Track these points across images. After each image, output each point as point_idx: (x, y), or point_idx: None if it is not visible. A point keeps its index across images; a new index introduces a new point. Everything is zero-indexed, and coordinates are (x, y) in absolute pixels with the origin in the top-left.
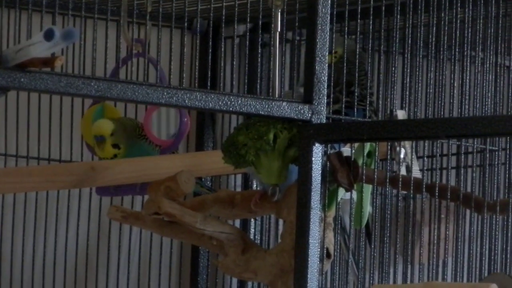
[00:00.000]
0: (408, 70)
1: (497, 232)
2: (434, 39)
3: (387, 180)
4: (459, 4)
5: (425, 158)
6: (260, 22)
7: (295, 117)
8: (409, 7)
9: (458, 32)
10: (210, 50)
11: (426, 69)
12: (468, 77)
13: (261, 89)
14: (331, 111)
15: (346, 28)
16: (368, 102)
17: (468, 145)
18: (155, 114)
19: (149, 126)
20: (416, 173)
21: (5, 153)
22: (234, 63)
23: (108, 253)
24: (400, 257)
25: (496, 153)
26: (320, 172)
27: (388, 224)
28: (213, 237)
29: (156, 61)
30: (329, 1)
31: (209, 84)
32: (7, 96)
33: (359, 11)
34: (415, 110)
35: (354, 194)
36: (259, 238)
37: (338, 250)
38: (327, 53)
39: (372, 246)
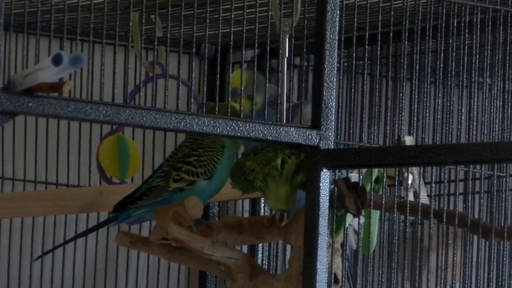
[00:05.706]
0: (416, 96)
1: (504, 258)
2: (441, 65)
3: (395, 206)
4: (466, 31)
5: (433, 184)
6: (268, 48)
7: (302, 142)
8: (417, 33)
9: (465, 58)
10: (218, 75)
11: (434, 95)
12: (475, 103)
13: (268, 114)
14: None
15: (354, 54)
16: None
17: (476, 171)
18: None
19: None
20: (423, 199)
21: (13, 177)
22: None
23: (116, 278)
24: (407, 283)
25: (504, 179)
26: (328, 197)
27: (396, 250)
28: (221, 263)
29: (188, 83)
30: (337, 27)
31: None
32: (15, 121)
33: (367, 37)
34: (423, 136)
35: (362, 220)
36: (266, 263)
37: (346, 276)
38: (335, 79)
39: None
